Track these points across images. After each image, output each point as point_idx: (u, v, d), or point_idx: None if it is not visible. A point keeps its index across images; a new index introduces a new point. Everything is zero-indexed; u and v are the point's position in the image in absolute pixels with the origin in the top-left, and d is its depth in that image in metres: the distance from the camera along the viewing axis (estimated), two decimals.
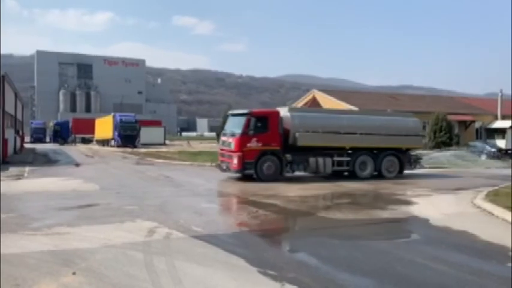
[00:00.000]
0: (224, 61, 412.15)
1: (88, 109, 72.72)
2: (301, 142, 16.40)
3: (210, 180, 16.58)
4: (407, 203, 11.99)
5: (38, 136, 58.67)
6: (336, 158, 17.03)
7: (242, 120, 16.23)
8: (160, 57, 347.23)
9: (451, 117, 31.68)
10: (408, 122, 18.94)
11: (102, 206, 10.62)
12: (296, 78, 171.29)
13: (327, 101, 34.42)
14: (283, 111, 17.04)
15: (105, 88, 45.90)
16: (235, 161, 15.79)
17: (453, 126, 32.24)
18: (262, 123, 16.26)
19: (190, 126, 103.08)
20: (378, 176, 17.59)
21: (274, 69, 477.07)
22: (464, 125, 35.54)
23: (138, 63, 52.15)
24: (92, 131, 51.75)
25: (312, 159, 16.52)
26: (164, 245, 7.02)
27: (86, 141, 54.61)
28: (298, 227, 9.60)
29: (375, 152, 17.76)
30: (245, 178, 16.07)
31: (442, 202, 12.04)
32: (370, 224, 9.39)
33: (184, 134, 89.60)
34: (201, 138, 74.97)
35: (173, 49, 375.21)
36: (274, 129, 16.23)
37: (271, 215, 10.49)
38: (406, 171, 18.51)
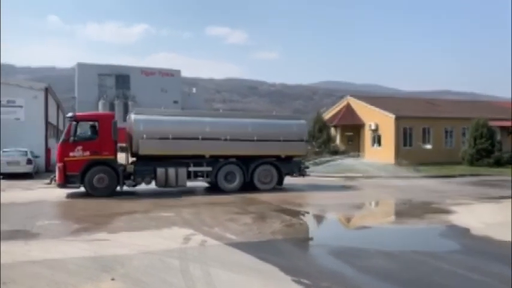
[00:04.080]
0: (257, 69, 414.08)
1: (126, 119, 75.07)
2: (144, 150, 14.24)
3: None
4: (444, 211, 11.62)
5: None
6: (193, 168, 14.79)
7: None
8: (194, 66, 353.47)
9: (492, 123, 30.54)
10: (291, 126, 16.37)
11: (140, 214, 10.90)
12: (330, 85, 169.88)
13: (361, 107, 33.97)
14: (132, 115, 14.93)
15: (142, 98, 47.13)
16: (57, 173, 13.67)
17: (495, 132, 31.05)
18: (89, 128, 14.29)
19: None
20: (251, 188, 15.27)
21: (308, 76, 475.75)
22: (507, 131, 34.15)
23: (173, 73, 53.23)
24: None
25: (160, 170, 14.23)
26: (199, 252, 7.12)
27: (124, 149, 56.09)
28: (331, 234, 9.50)
29: (244, 160, 15.41)
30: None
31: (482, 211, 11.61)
32: (404, 233, 9.18)
33: None
34: None
35: (207, 58, 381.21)
36: (105, 136, 13.88)
37: (304, 223, 10.47)
38: (292, 181, 16.67)
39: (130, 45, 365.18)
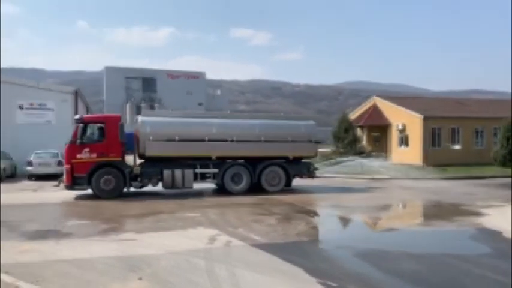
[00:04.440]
0: (281, 70, 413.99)
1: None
2: (150, 152, 14.30)
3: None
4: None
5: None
6: (199, 170, 14.72)
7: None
8: (219, 69, 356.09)
9: None
10: (299, 127, 16.15)
11: (166, 214, 11.04)
12: (355, 85, 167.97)
13: (388, 108, 33.45)
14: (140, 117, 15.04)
15: (168, 100, 47.76)
16: (64, 175, 13.85)
17: None
18: (96, 130, 14.32)
19: None
20: (259, 189, 15.13)
21: (332, 76, 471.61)
22: None
23: (198, 76, 53.74)
24: None
25: (166, 172, 14.24)
26: (224, 252, 7.16)
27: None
28: (357, 236, 9.37)
29: (251, 162, 15.26)
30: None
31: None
32: (432, 235, 8.97)
33: None
34: None
35: (231, 60, 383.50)
36: (112, 138, 13.94)
37: (329, 225, 10.39)
38: (303, 183, 16.37)
39: (157, 49, 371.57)
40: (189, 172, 14.41)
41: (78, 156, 13.64)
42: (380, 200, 14.20)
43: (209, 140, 14.73)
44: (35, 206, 12.64)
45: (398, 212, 13.57)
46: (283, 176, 15.48)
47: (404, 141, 31.65)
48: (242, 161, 15.22)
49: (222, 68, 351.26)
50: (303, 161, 16.25)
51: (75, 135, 13.80)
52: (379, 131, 33.73)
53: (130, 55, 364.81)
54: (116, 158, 13.95)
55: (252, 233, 8.64)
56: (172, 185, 14.32)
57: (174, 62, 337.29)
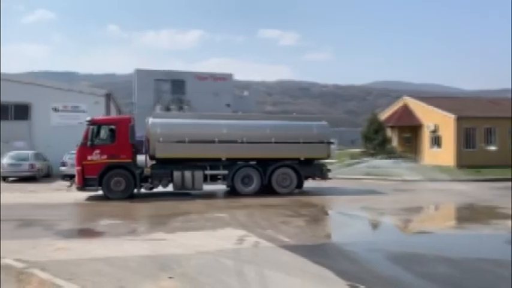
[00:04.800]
0: (308, 71, 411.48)
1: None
2: (160, 153, 14.34)
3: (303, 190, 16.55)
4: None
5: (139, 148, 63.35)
6: (209, 172, 14.62)
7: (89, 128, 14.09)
8: (247, 70, 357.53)
9: None
10: (311, 128, 15.88)
11: (195, 214, 11.17)
12: (385, 85, 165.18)
13: (419, 108, 32.72)
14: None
15: (196, 102, 48.34)
16: (76, 176, 13.96)
17: None
18: (107, 132, 14.37)
19: None
20: (270, 191, 14.96)
21: (361, 76, 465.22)
22: None
23: (226, 77, 54.13)
24: None
25: (176, 173, 14.23)
26: (253, 253, 7.17)
27: None
28: (388, 238, 9.20)
29: (262, 163, 15.12)
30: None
31: None
32: (466, 238, 8.72)
33: None
34: None
35: (259, 62, 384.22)
36: (123, 139, 14.05)
37: (359, 227, 10.25)
38: (315, 184, 15.98)
39: (186, 51, 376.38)
40: (198, 173, 14.39)
41: (89, 158, 13.75)
42: (411, 202, 13.92)
43: (219, 142, 14.66)
44: (68, 205, 13.03)
45: (430, 215, 13.27)
46: (294, 177, 15.26)
47: (436, 142, 30.88)
48: (252, 162, 15.16)
49: (250, 69, 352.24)
50: (316, 162, 16.01)
51: (86, 137, 13.92)
52: (410, 131, 33.04)
53: (160, 58, 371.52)
54: (127, 160, 14.04)
55: (281, 234, 8.62)
56: (182, 186, 14.33)
57: (202, 63, 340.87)
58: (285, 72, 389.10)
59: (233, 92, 55.02)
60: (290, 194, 14.92)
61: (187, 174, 14.27)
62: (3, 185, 18.74)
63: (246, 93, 61.06)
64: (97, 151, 13.80)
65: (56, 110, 25.69)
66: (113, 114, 29.97)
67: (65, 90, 26.50)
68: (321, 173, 15.79)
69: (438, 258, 7.10)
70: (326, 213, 12.19)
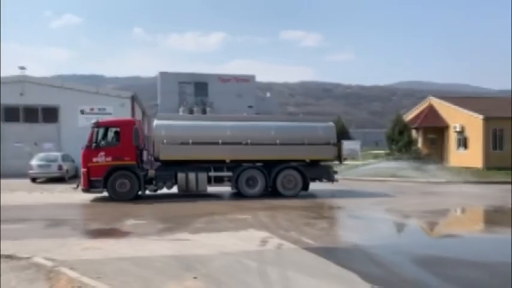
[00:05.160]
0: (331, 71, 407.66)
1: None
2: (164, 155, 14.41)
3: (320, 192, 16.48)
4: None
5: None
6: (213, 173, 14.56)
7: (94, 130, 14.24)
8: (269, 71, 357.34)
9: None
10: (317, 129, 15.60)
11: (218, 215, 11.24)
12: (410, 85, 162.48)
13: (445, 108, 32.04)
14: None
15: (219, 104, 48.69)
16: (82, 178, 14.03)
17: None
18: (111, 134, 14.45)
19: None
20: (274, 193, 14.82)
21: (385, 76, 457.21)
22: None
23: (248, 79, 54.31)
24: None
25: (180, 175, 14.23)
26: (276, 255, 7.18)
27: None
28: (414, 241, 9.05)
29: (266, 165, 14.99)
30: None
31: None
32: (494, 242, 8.49)
33: None
34: None
35: (281, 63, 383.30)
36: (127, 142, 14.13)
37: (384, 229, 10.12)
38: (322, 186, 15.65)
39: (209, 53, 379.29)
40: (202, 175, 14.37)
41: (95, 160, 13.89)
42: (437, 205, 13.64)
43: (223, 143, 14.59)
44: (95, 205, 13.31)
45: (457, 217, 12.99)
46: (299, 179, 15.06)
47: (463, 143, 30.18)
48: (257, 164, 15.04)
49: (272, 70, 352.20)
50: (322, 164, 15.79)
51: (91, 139, 14.08)
52: (435, 132, 32.39)
53: (184, 60, 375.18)
54: (131, 162, 14.12)
55: (304, 236, 8.59)
56: (186, 188, 14.35)
57: (225, 65, 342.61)
58: (308, 73, 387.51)
59: (255, 94, 55.17)
60: (295, 196, 14.75)
61: (191, 176, 14.28)
62: (33, 185, 19.29)
63: (268, 94, 61.13)
64: (102, 153, 13.95)
65: (83, 112, 26.30)
66: (138, 116, 30.48)
67: (92, 93, 27.12)
68: (328, 175, 15.58)
69: (465, 262, 6.96)
70: (349, 216, 12.07)
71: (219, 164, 14.71)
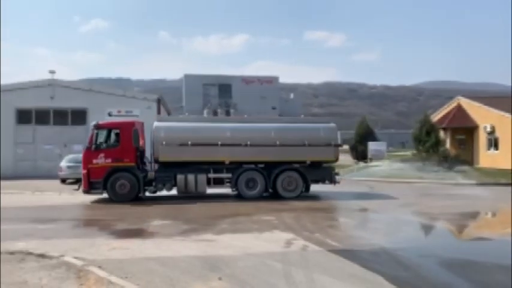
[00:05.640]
0: (356, 71, 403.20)
1: None
2: (163, 157, 14.45)
3: (346, 194, 16.31)
4: None
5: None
6: (212, 175, 14.53)
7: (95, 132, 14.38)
8: (293, 72, 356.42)
9: None
10: (318, 130, 15.42)
11: (243, 216, 11.28)
12: (437, 85, 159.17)
13: (474, 108, 31.24)
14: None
15: (243, 105, 48.92)
16: (82, 179, 14.16)
17: None
18: (111, 136, 14.52)
19: None
20: (275, 195, 14.71)
21: (411, 76, 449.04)
22: None
23: (272, 80, 54.34)
24: None
25: (180, 177, 14.23)
26: (301, 256, 7.15)
27: None
28: (442, 244, 8.85)
29: (266, 166, 14.83)
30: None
31: None
32: None
33: None
34: None
35: (305, 64, 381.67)
36: (126, 143, 14.18)
37: (410, 232, 9.94)
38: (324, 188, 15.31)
39: (232, 55, 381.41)
40: (201, 177, 14.35)
41: (95, 161, 14.02)
42: (466, 207, 13.30)
43: (222, 145, 14.51)
44: (122, 206, 13.54)
45: (486, 220, 12.63)
46: (300, 181, 14.88)
47: (493, 144, 29.35)
48: (256, 165, 14.92)
49: (296, 71, 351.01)
50: (324, 165, 15.53)
51: (91, 141, 14.23)
52: (464, 133, 31.61)
53: (208, 62, 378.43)
54: (130, 163, 14.21)
55: (329, 238, 8.53)
56: (185, 189, 14.35)
57: (248, 67, 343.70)
58: (332, 74, 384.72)
59: (279, 95, 55.12)
60: (296, 198, 14.56)
61: (190, 177, 14.29)
62: (62, 186, 19.80)
63: (292, 95, 60.98)
64: (102, 155, 14.08)
65: (110, 114, 26.83)
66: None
67: (119, 96, 27.66)
68: (330, 176, 15.30)
69: (495, 266, 6.75)
70: (375, 218, 11.92)
71: (218, 166, 14.70)
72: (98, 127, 14.41)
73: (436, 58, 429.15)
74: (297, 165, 15.02)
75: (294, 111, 47.25)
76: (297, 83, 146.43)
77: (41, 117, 26.84)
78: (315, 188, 15.49)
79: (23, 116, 26.54)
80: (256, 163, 14.93)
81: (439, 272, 6.51)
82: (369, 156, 30.76)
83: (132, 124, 14.83)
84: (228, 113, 54.23)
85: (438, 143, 29.36)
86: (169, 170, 14.61)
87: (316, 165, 15.32)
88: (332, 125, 15.88)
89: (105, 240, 8.46)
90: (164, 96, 31.15)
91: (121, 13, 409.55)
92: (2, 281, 5.78)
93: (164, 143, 14.38)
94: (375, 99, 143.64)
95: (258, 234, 9.06)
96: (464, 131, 31.47)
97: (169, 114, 35.14)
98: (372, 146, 31.18)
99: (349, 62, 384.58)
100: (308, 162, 15.09)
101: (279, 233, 9.13)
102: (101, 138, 14.40)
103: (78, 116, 27.14)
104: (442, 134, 31.64)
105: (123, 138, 14.33)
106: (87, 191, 14.10)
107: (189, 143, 14.36)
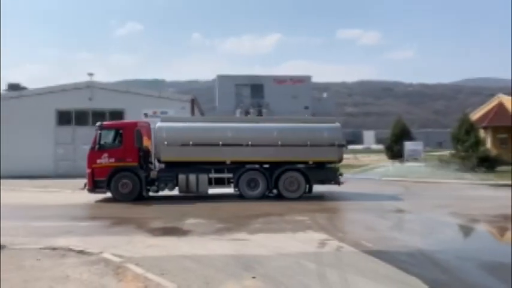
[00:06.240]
0: (391, 69, 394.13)
1: None
2: (164, 157, 14.56)
3: (380, 195, 16.02)
4: None
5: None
6: (214, 175, 14.48)
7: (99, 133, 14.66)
8: (326, 71, 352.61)
9: None
10: (321, 130, 15.11)
11: (275, 216, 11.29)
12: (477, 82, 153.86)
13: None
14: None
15: (275, 105, 48.95)
16: (87, 179, 14.42)
17: None
18: (114, 136, 14.75)
19: (357, 139, 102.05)
20: (277, 195, 14.49)
21: (450, 73, 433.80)
22: None
23: (304, 80, 54.06)
24: None
25: (181, 177, 14.30)
26: (335, 257, 7.08)
27: None
28: (482, 246, 8.54)
29: (268, 166, 14.67)
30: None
31: None
32: None
33: (350, 147, 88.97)
34: (368, 151, 73.30)
35: (338, 62, 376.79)
36: (129, 144, 14.43)
37: (449, 233, 9.65)
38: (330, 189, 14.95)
39: (264, 55, 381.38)
40: (203, 177, 14.42)
41: (99, 161, 14.33)
42: (506, 209, 12.76)
43: (223, 145, 14.51)
44: (158, 205, 13.83)
45: None
46: (302, 181, 14.69)
47: None
48: (258, 165, 14.85)
49: (329, 70, 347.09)
50: (328, 166, 15.27)
51: (95, 141, 14.51)
52: (506, 132, 30.39)
53: (240, 63, 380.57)
54: (133, 163, 14.43)
55: (363, 239, 8.41)
56: (186, 189, 14.46)
57: (280, 67, 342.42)
58: (366, 72, 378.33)
59: (311, 94, 54.78)
60: (299, 198, 14.39)
61: (192, 177, 14.39)
62: None
63: (324, 95, 60.48)
64: (105, 155, 14.39)
65: (146, 115, 27.44)
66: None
67: (155, 97, 28.26)
68: (334, 177, 15.02)
69: None
70: (411, 218, 11.64)
71: (219, 166, 14.74)
72: (101, 128, 14.75)
73: (475, 54, 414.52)
74: (299, 166, 14.89)
75: (327, 111, 46.87)
76: (330, 82, 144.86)
77: (80, 118, 27.75)
78: (344, 188, 15.30)
79: (63, 117, 27.53)
80: (257, 163, 14.91)
81: (479, 276, 6.29)
82: (405, 156, 30.12)
83: (134, 124, 15.14)
84: (260, 113, 54.38)
85: (478, 142, 28.31)
86: (172, 169, 14.79)
87: (320, 165, 15.17)
88: (336, 124, 15.65)
89: (142, 238, 8.66)
90: (197, 97, 31.57)
91: (155, 16, 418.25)
92: (46, 275, 6.03)
93: (166, 143, 14.57)
94: (412, 97, 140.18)
95: (292, 234, 9.04)
96: (506, 129, 30.25)
97: (202, 114, 35.60)
98: (408, 145, 30.55)
99: (384, 60, 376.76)
100: (310, 162, 14.96)
101: (312, 233, 9.08)
102: (105, 138, 14.75)
103: (116, 117, 27.78)
104: (482, 133, 30.55)
105: (125, 138, 14.63)
106: (92, 190, 14.45)
107: (191, 143, 14.48)
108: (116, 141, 14.82)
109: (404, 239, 8.79)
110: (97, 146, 14.49)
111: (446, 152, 33.01)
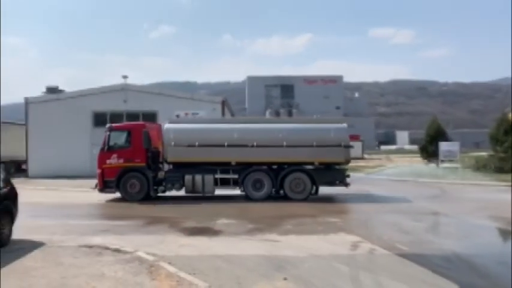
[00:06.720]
0: (425, 68, 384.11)
1: None
2: (171, 157, 14.76)
3: (416, 197, 15.64)
4: None
5: None
6: (219, 175, 14.45)
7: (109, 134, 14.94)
8: (358, 71, 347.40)
9: None
10: (328, 131, 14.81)
11: (307, 218, 11.22)
12: None
13: None
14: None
15: (305, 106, 48.62)
16: (97, 179, 14.66)
17: None
18: (123, 137, 14.99)
19: (390, 140, 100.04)
20: (283, 196, 14.32)
21: (487, 72, 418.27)
22: None
23: (335, 80, 53.51)
24: None
25: (187, 177, 14.39)
26: (368, 260, 6.97)
27: None
28: None
29: (274, 167, 14.59)
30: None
31: None
32: None
33: (383, 147, 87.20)
34: (401, 151, 71.72)
35: (371, 62, 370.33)
36: (137, 144, 14.72)
37: (484, 237, 9.32)
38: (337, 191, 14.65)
39: (295, 55, 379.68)
40: (208, 177, 14.51)
41: (108, 162, 14.70)
42: None
43: (228, 146, 14.53)
44: (189, 205, 14.00)
45: None
46: (308, 183, 14.50)
47: None
48: (264, 166, 14.80)
49: (361, 69, 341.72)
50: (334, 167, 15.02)
51: (105, 142, 14.90)
52: None
53: (270, 64, 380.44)
54: (141, 164, 14.71)
55: (397, 241, 8.23)
56: (192, 190, 14.60)
57: (311, 67, 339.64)
58: (400, 72, 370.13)
59: (343, 94, 54.21)
60: (305, 199, 14.18)
61: (198, 178, 14.52)
62: None
63: (356, 94, 59.77)
64: (115, 155, 14.74)
65: (178, 117, 27.88)
66: None
67: (187, 99, 28.70)
68: (342, 178, 14.76)
69: None
70: (447, 222, 11.32)
71: (225, 166, 14.79)
72: (111, 129, 15.17)
73: None
74: (305, 167, 14.76)
75: (358, 111, 46.19)
76: (362, 81, 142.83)
77: (115, 119, 28.37)
78: (375, 190, 15.03)
79: (99, 119, 28.32)
80: (263, 164, 14.89)
81: None
82: (440, 157, 29.31)
83: (142, 126, 15.51)
84: (290, 114, 54.20)
85: None
86: (179, 170, 15.02)
87: (327, 166, 14.99)
88: (343, 125, 15.43)
89: (175, 237, 8.80)
90: (228, 98, 31.84)
91: (186, 19, 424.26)
92: (83, 272, 6.23)
93: (173, 143, 14.79)
94: (447, 97, 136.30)
95: (323, 236, 8.97)
96: None
97: (233, 115, 35.83)
98: (443, 146, 29.68)
99: (417, 59, 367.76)
100: (316, 163, 14.80)
101: (344, 235, 8.97)
102: (114, 139, 15.09)
103: (149, 119, 28.30)
104: None
105: (134, 139, 14.94)
106: (102, 189, 14.80)
107: (197, 143, 14.61)
108: (125, 143, 15.15)
109: (440, 242, 8.56)
110: (106, 147, 14.88)
111: (484, 153, 31.92)
